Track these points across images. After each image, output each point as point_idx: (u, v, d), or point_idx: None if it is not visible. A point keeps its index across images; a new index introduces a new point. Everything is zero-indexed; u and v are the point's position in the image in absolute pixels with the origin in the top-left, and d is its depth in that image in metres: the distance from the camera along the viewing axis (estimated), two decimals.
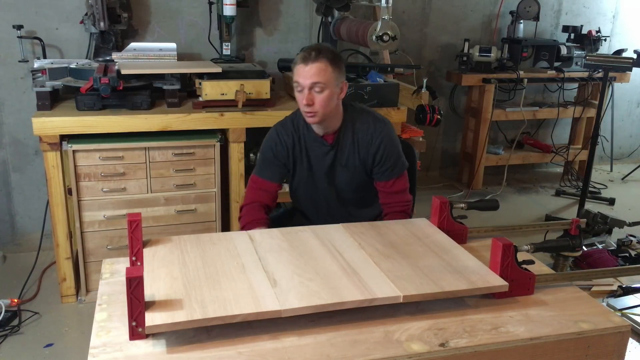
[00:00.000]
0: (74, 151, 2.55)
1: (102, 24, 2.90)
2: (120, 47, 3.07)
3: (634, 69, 3.76)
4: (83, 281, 2.72)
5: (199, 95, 2.79)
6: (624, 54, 4.04)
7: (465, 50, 3.92)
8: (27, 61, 3.01)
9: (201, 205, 2.81)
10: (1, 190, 3.27)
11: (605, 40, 4.30)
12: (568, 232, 1.65)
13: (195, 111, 2.73)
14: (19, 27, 2.93)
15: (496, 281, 1.33)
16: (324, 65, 1.85)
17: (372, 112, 2.07)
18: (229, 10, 3.09)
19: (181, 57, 3.10)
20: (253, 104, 2.81)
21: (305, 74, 1.85)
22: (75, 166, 2.57)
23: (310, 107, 1.87)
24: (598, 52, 4.16)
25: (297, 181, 2.10)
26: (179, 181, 2.74)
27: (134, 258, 1.39)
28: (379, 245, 1.51)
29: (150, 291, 1.21)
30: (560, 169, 4.69)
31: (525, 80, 4.00)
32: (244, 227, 1.95)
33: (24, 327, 2.55)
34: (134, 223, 1.38)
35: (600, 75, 4.03)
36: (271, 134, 2.08)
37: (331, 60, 1.87)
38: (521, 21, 4.06)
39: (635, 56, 3.66)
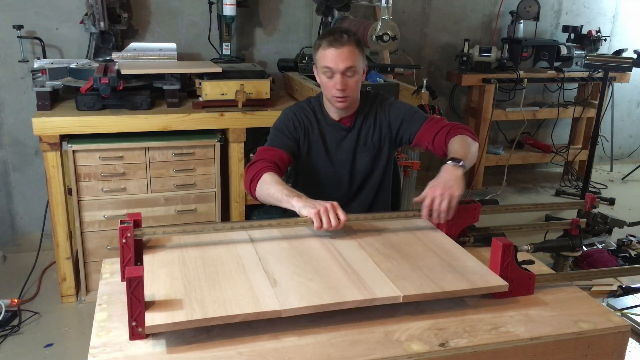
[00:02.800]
0: (74, 151, 2.55)
1: (102, 24, 2.91)
2: (120, 47, 3.07)
3: (634, 69, 3.75)
4: (83, 281, 2.73)
5: (199, 95, 2.80)
6: (624, 54, 4.04)
7: (465, 50, 3.92)
8: (27, 61, 3.01)
9: (201, 205, 2.81)
10: (1, 190, 3.27)
11: (605, 40, 4.30)
12: (568, 232, 1.65)
13: (195, 111, 2.74)
14: (19, 27, 2.93)
15: (496, 281, 1.33)
16: (352, 48, 1.82)
17: (386, 94, 2.07)
18: (229, 10, 3.09)
19: (181, 57, 3.10)
20: (253, 104, 2.81)
21: (338, 59, 1.80)
22: (75, 166, 2.57)
23: (344, 92, 1.84)
24: (598, 52, 4.16)
25: (312, 167, 2.01)
26: (179, 181, 2.74)
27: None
28: (379, 245, 1.51)
29: (150, 291, 1.21)
30: (560, 169, 4.69)
31: (525, 80, 4.00)
32: (251, 181, 1.78)
33: (24, 327, 2.55)
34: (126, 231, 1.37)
35: (600, 75, 4.03)
36: (286, 113, 2.00)
37: (357, 43, 1.84)
38: (521, 21, 4.06)
39: (635, 56, 3.66)
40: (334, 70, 1.82)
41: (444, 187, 1.54)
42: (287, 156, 1.90)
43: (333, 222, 1.49)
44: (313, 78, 3.01)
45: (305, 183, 2.06)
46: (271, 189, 1.69)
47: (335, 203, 1.53)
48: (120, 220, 1.36)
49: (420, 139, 1.92)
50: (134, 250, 1.35)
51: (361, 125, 1.99)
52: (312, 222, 1.51)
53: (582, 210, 1.72)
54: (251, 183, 1.78)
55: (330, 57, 1.81)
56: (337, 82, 1.82)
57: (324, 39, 1.84)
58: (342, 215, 1.51)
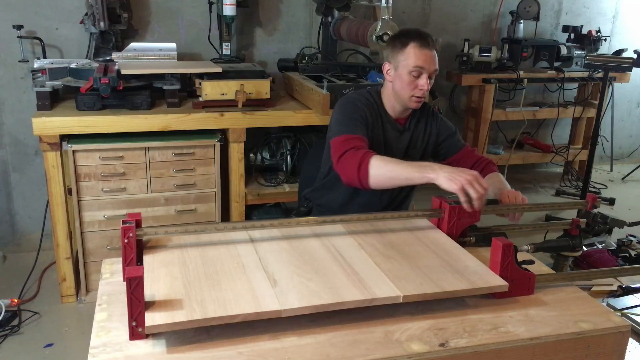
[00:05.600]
0: (74, 151, 2.55)
1: (102, 24, 2.91)
2: (120, 47, 3.07)
3: (634, 69, 3.75)
4: (83, 281, 2.73)
5: (199, 95, 2.80)
6: (624, 54, 4.04)
7: (465, 50, 3.92)
8: (27, 61, 3.01)
9: (201, 205, 2.81)
10: (1, 190, 3.27)
11: (605, 40, 4.30)
12: (568, 232, 1.65)
13: (195, 111, 2.73)
14: (19, 27, 2.93)
15: (496, 281, 1.33)
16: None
17: (431, 106, 2.14)
18: (229, 10, 3.09)
19: (181, 57, 3.10)
20: (253, 104, 2.81)
21: (431, 60, 1.88)
22: (75, 166, 2.57)
23: (425, 92, 1.90)
24: (598, 52, 4.16)
25: None
26: (179, 181, 2.74)
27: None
28: (379, 245, 1.51)
29: (150, 291, 1.21)
30: (560, 169, 4.69)
31: (525, 80, 4.00)
32: (359, 167, 1.72)
33: (24, 327, 2.55)
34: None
35: (600, 75, 4.03)
36: (354, 103, 1.96)
37: None
38: (521, 21, 4.05)
39: (635, 56, 3.66)
40: (424, 71, 1.87)
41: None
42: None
43: (480, 191, 1.50)
44: (313, 78, 3.04)
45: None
46: (394, 168, 1.67)
47: (475, 173, 1.54)
48: (122, 221, 1.36)
49: (458, 160, 2.03)
50: (135, 251, 1.35)
51: (414, 128, 2.05)
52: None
53: (582, 210, 1.72)
54: (360, 169, 1.72)
55: (424, 58, 1.87)
56: (424, 82, 1.88)
57: (414, 39, 1.87)
58: (484, 183, 1.52)
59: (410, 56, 1.87)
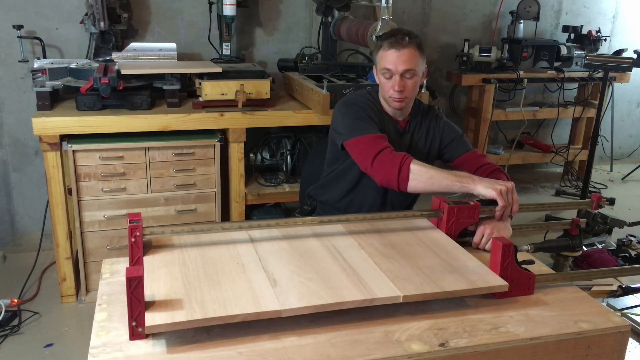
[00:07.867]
0: (74, 151, 2.55)
1: (102, 24, 2.91)
2: (120, 47, 3.07)
3: (634, 69, 3.75)
4: (83, 281, 2.73)
5: (199, 95, 2.80)
6: (624, 54, 4.04)
7: (465, 50, 3.92)
8: (27, 61, 3.01)
9: (201, 205, 2.81)
10: (1, 190, 3.27)
11: (605, 40, 4.29)
12: (568, 232, 1.65)
13: (195, 111, 2.74)
14: (19, 27, 2.93)
15: (496, 281, 1.33)
16: (413, 50, 1.85)
17: (435, 108, 2.12)
18: (229, 10, 3.09)
19: (181, 57, 3.10)
20: (253, 104, 2.81)
21: (397, 60, 1.84)
22: (75, 166, 2.57)
23: (401, 94, 1.87)
24: (598, 52, 4.16)
25: None
26: (179, 181, 2.74)
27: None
28: (379, 245, 1.51)
29: (150, 291, 1.21)
30: (560, 169, 4.69)
31: (525, 80, 4.00)
32: (400, 171, 1.73)
33: (24, 327, 2.56)
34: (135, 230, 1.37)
35: (600, 75, 4.03)
36: (356, 103, 1.96)
37: (418, 45, 1.87)
38: (521, 21, 4.05)
39: (635, 56, 3.66)
40: (392, 72, 1.85)
41: (494, 228, 1.61)
42: None
43: (516, 198, 1.60)
44: (313, 78, 3.04)
45: (347, 176, 2.03)
46: (435, 175, 1.70)
47: (509, 184, 1.61)
48: (129, 220, 1.36)
49: (462, 164, 1.99)
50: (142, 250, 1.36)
51: (414, 131, 2.02)
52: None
53: (583, 210, 1.72)
54: (400, 171, 1.73)
55: (390, 59, 1.85)
56: (395, 83, 1.85)
57: (385, 40, 1.87)
58: (516, 195, 1.60)
59: (380, 58, 1.88)
